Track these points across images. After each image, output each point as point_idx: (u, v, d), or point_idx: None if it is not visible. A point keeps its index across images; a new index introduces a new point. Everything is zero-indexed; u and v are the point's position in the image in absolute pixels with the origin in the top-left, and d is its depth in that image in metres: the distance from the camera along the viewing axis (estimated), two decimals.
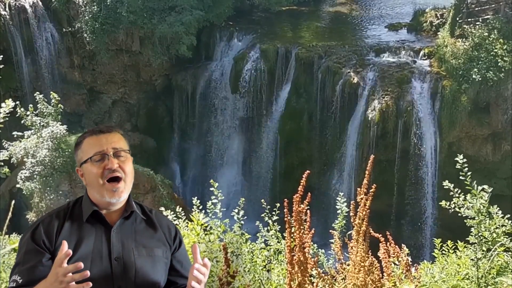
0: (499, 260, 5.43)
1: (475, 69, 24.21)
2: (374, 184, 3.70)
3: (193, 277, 2.94)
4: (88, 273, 2.65)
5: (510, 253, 5.44)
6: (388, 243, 3.91)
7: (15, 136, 22.27)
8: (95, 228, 3.07)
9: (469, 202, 5.61)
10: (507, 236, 5.44)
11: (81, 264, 2.65)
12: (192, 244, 5.21)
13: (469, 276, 5.53)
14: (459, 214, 5.72)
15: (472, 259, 5.55)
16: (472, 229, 5.56)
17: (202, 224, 5.51)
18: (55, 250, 2.91)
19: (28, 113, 21.88)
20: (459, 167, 5.70)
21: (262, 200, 7.47)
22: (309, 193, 3.52)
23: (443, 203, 5.91)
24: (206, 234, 5.47)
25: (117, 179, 3.08)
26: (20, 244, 3.02)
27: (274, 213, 7.10)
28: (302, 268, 3.27)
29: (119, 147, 3.15)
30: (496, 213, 5.54)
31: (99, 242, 3.02)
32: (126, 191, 3.13)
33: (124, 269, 3.00)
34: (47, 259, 2.91)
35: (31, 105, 22.02)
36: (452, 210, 5.77)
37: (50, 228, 2.99)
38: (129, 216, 3.17)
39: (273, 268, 5.78)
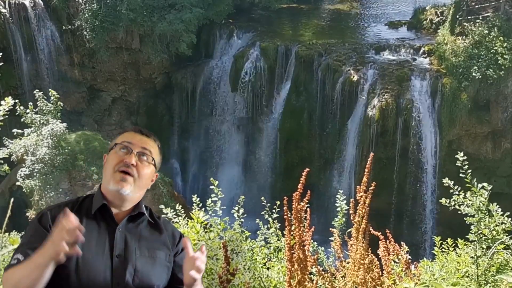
0: (498, 258, 5.44)
1: (475, 67, 24.20)
2: (374, 182, 3.70)
3: (195, 267, 2.91)
4: (82, 238, 2.67)
5: (509, 251, 5.45)
6: (387, 241, 3.92)
7: (15, 133, 22.27)
8: (101, 224, 3.09)
9: (469, 200, 5.62)
10: (507, 234, 5.44)
11: (82, 238, 2.68)
12: (192, 244, 5.22)
13: (469, 274, 5.54)
14: (459, 212, 5.73)
15: (472, 257, 5.55)
16: (472, 227, 5.56)
17: (202, 222, 5.52)
18: None
19: (28, 111, 21.87)
20: (459, 164, 5.70)
21: (262, 198, 7.48)
22: (308, 191, 3.53)
23: (443, 200, 5.92)
24: (206, 232, 5.48)
25: (128, 173, 3.12)
26: (27, 228, 3.05)
27: (274, 211, 7.11)
28: (301, 265, 3.27)
29: (148, 150, 3.22)
30: (496, 211, 5.54)
31: (103, 238, 3.04)
32: (132, 190, 3.13)
33: (124, 267, 3.00)
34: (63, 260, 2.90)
35: (30, 103, 22.00)
36: (452, 207, 5.78)
37: (57, 217, 2.97)
38: (136, 217, 3.19)
39: (273, 266, 5.79)
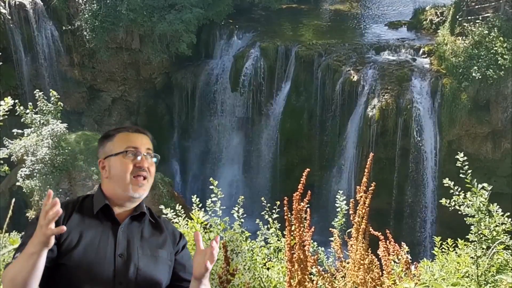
0: (498, 258, 5.44)
1: (475, 67, 24.19)
2: (374, 182, 3.70)
3: (210, 257, 2.97)
4: (60, 211, 2.64)
5: (510, 251, 5.45)
6: (387, 241, 3.92)
7: (15, 134, 22.27)
8: (103, 224, 3.10)
9: (469, 200, 5.62)
10: (507, 234, 5.44)
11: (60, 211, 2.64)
12: (193, 244, 5.22)
13: (469, 274, 5.54)
14: (459, 212, 5.73)
15: (472, 257, 5.55)
16: (472, 227, 5.56)
17: (202, 222, 5.52)
18: (60, 238, 2.95)
19: (28, 111, 21.86)
20: (459, 165, 5.71)
21: (262, 198, 7.48)
22: (309, 191, 3.53)
23: (443, 201, 5.91)
24: (206, 232, 5.48)
25: (143, 177, 3.17)
26: (27, 227, 3.05)
27: (274, 211, 7.11)
28: (302, 266, 3.27)
29: (151, 149, 3.28)
30: (496, 211, 5.54)
31: (105, 237, 3.05)
32: (147, 191, 3.21)
33: (127, 266, 3.02)
34: (52, 243, 2.90)
35: (30, 103, 22.00)
36: (452, 208, 5.78)
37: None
38: (138, 217, 3.21)
39: (273, 266, 5.79)
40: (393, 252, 3.96)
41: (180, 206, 6.42)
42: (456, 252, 6.28)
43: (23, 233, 3.17)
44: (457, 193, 5.71)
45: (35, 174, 22.64)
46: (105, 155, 3.21)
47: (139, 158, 3.16)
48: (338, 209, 7.09)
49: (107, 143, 3.23)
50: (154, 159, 3.26)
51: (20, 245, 2.96)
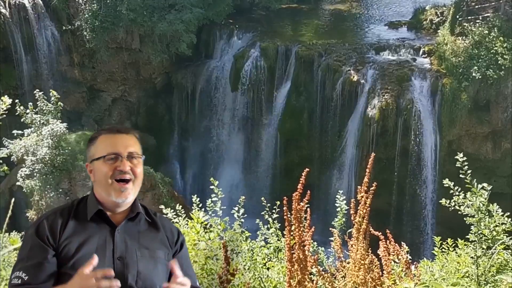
0: (499, 258, 5.44)
1: (475, 67, 24.20)
2: (375, 182, 3.70)
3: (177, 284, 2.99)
4: (114, 280, 2.70)
5: (509, 251, 5.45)
6: (388, 241, 3.92)
7: (15, 134, 22.27)
8: (100, 227, 3.07)
9: (469, 200, 5.62)
10: (507, 234, 5.44)
11: (111, 272, 2.71)
12: (193, 244, 5.22)
13: (469, 274, 5.54)
14: (459, 212, 5.73)
15: (472, 257, 5.55)
16: (472, 227, 5.56)
17: (202, 222, 5.52)
18: (59, 247, 2.92)
19: (28, 111, 21.86)
20: (459, 165, 5.70)
21: (262, 198, 7.47)
22: (308, 191, 3.52)
23: (443, 201, 5.91)
24: (206, 232, 5.48)
25: (126, 181, 3.09)
26: (24, 240, 3.02)
27: (274, 211, 7.11)
28: (301, 266, 3.27)
29: (133, 150, 3.16)
30: (496, 211, 5.54)
31: (103, 241, 3.02)
32: (133, 193, 3.14)
33: (126, 269, 3.00)
34: (52, 255, 2.90)
35: (30, 103, 22.00)
36: (452, 208, 5.78)
37: (54, 225, 2.98)
38: (134, 218, 3.17)
39: (273, 266, 5.79)
40: (393, 252, 3.96)
41: (180, 206, 6.42)
42: (456, 252, 6.29)
43: (23, 233, 3.15)
44: (457, 193, 5.71)
45: (35, 174, 22.63)
46: (90, 159, 3.16)
47: (119, 162, 3.09)
48: (338, 209, 7.10)
49: (91, 146, 3.18)
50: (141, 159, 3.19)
51: (20, 260, 2.91)
